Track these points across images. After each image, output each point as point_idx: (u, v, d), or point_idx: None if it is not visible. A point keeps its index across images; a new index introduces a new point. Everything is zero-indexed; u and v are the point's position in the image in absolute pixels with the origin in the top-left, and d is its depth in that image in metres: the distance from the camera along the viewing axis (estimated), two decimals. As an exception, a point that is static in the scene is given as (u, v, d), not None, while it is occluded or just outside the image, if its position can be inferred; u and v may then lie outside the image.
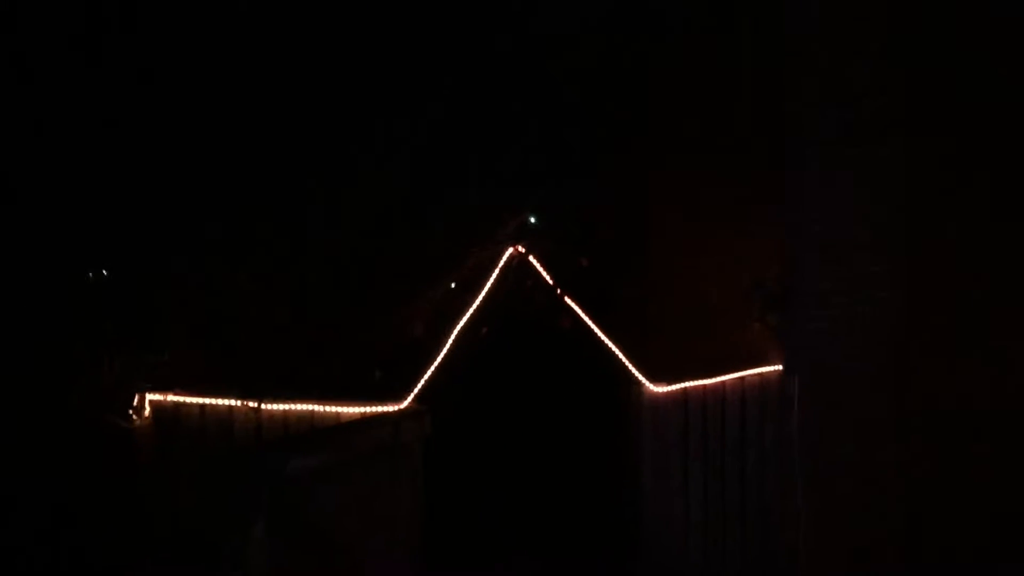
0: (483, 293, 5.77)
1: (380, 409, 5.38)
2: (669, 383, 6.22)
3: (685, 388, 6.30)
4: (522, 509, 6.15)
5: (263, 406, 5.17)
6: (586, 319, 6.04)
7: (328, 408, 5.33)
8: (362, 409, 5.36)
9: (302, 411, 5.31)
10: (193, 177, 5.81)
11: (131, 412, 5.53)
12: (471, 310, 5.71)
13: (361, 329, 5.62)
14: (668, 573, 6.15)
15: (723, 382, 6.44)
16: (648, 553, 6.12)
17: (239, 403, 5.16)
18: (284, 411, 5.29)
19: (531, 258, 5.96)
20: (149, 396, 5.25)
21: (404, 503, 5.24)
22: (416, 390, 5.47)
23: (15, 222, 5.63)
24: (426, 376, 5.51)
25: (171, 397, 5.21)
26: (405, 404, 5.44)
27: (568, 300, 5.99)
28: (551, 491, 6.24)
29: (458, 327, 5.66)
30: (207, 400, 5.22)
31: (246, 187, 5.80)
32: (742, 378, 6.49)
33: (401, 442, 5.09)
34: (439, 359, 5.57)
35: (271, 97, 5.86)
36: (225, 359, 5.42)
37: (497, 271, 5.83)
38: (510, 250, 5.86)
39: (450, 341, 5.60)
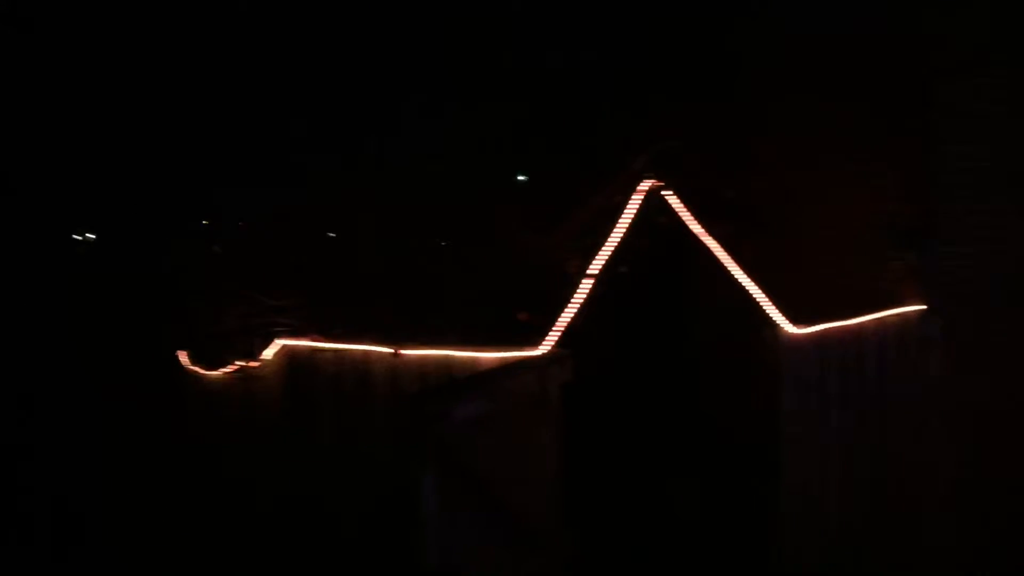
0: (619, 230, 5.47)
1: (517, 355, 5.16)
2: (807, 325, 5.93)
3: (823, 330, 6.01)
4: (660, 455, 5.91)
5: (401, 352, 4.96)
6: (723, 257, 5.73)
7: (465, 353, 5.11)
8: (499, 355, 5.14)
9: (438, 356, 5.10)
10: (321, 119, 5.57)
11: (248, 358, 5.39)
12: (607, 248, 5.43)
13: (498, 270, 5.38)
14: (806, 515, 5.93)
15: (861, 324, 6.13)
16: (787, 496, 5.89)
17: (376, 348, 4.95)
18: (420, 356, 5.08)
19: (667, 192, 5.64)
20: (284, 341, 5.05)
21: (548, 453, 5.04)
22: (553, 334, 5.23)
23: (138, 172, 5.47)
24: (563, 319, 5.26)
25: (306, 342, 5.01)
26: (543, 349, 5.21)
27: (705, 237, 5.68)
28: (690, 436, 6.00)
29: (595, 266, 5.38)
30: (343, 345, 5.01)
31: (379, 128, 5.54)
32: (881, 319, 6.17)
33: (546, 389, 4.86)
34: (576, 301, 5.31)
35: (397, 19, 5.56)
36: (361, 304, 5.22)
37: (633, 206, 5.52)
38: (647, 183, 5.55)
39: (589, 282, 5.33)
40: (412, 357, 5.06)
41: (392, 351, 4.96)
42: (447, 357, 5.10)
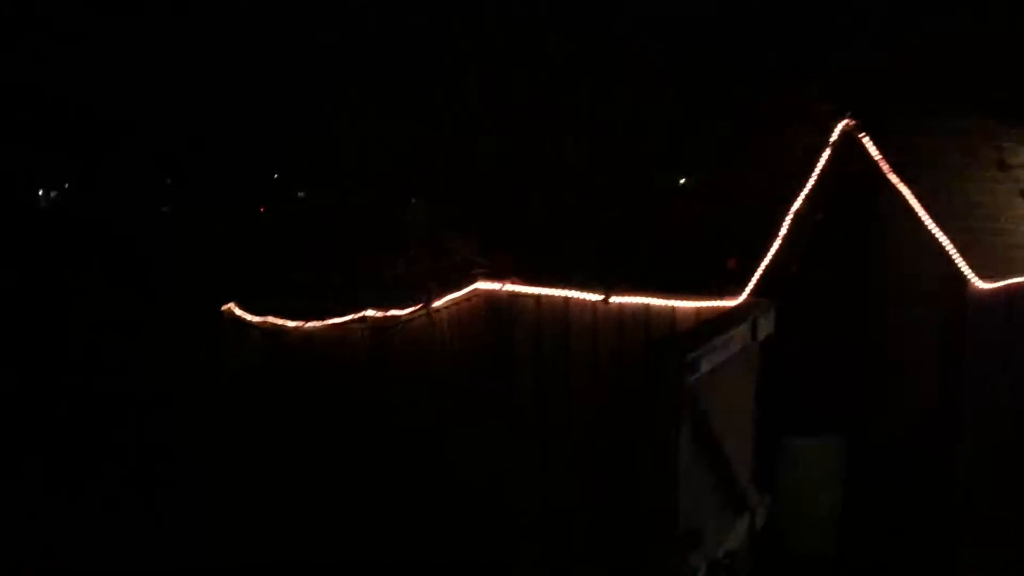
0: (815, 174, 5.24)
1: (716, 304, 4.99)
2: (993, 280, 5.69)
3: (1010, 285, 5.77)
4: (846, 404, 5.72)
5: (611, 299, 4.78)
6: (916, 205, 5.48)
7: (663, 302, 4.94)
8: (698, 304, 4.96)
9: (636, 305, 4.93)
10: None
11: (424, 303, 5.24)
12: (802, 194, 5.21)
13: (692, 218, 5.19)
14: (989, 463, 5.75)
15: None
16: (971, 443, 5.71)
17: (578, 295, 4.78)
18: (619, 304, 4.91)
19: (861, 136, 5.38)
20: (483, 285, 4.88)
21: (750, 404, 4.89)
22: (752, 283, 5.06)
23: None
24: (761, 268, 5.08)
25: (507, 287, 4.84)
26: (741, 299, 5.04)
27: (901, 186, 5.43)
28: (877, 388, 5.80)
29: (791, 213, 5.17)
30: (544, 291, 4.84)
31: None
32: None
33: (756, 339, 4.69)
34: (773, 249, 5.12)
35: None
36: (566, 250, 5.05)
37: (828, 150, 5.28)
38: (842, 124, 5.29)
39: (784, 229, 5.14)
40: (612, 305, 4.89)
41: (601, 297, 4.78)
42: (645, 305, 4.93)
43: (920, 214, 5.52)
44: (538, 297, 4.84)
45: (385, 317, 5.35)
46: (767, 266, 5.12)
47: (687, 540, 3.79)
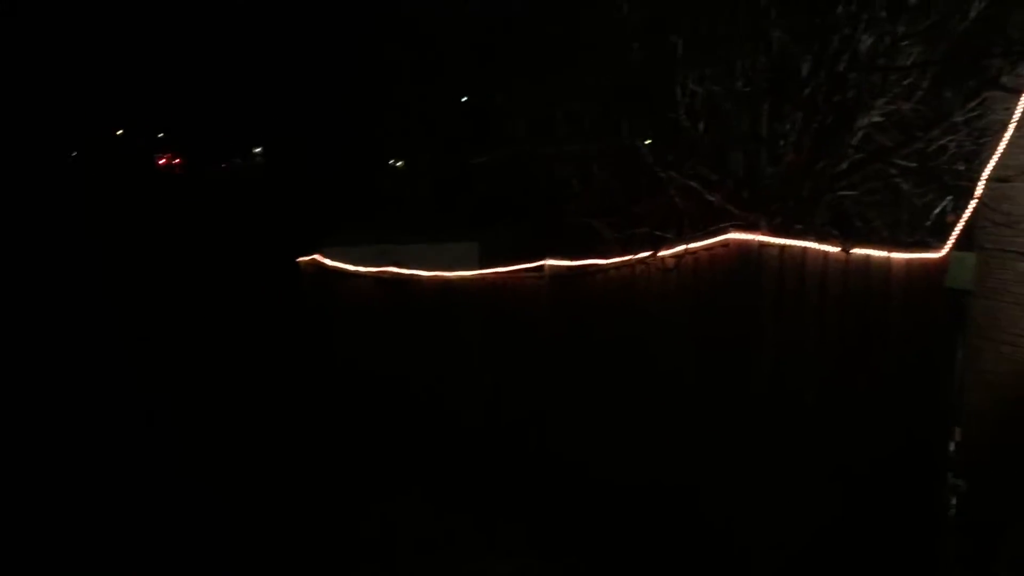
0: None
1: (922, 256, 5.98)
2: None
3: None
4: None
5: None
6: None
7: (880, 253, 5.93)
8: (908, 255, 5.94)
9: (858, 256, 5.94)
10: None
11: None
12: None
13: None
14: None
15: None
16: None
17: (818, 246, 5.76)
18: (845, 256, 5.92)
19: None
20: (736, 235, 5.87)
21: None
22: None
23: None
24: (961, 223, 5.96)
25: (759, 237, 5.81)
26: (943, 253, 6.01)
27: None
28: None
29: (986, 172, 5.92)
30: (787, 242, 5.83)
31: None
32: None
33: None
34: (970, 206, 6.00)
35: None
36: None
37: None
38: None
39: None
40: (839, 255, 5.87)
41: (841, 249, 5.78)
42: (866, 256, 5.94)
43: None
44: (782, 248, 5.84)
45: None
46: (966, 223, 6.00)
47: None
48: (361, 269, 10.13)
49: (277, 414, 9.80)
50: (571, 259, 7.30)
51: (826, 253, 5.85)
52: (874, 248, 5.96)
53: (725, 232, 5.92)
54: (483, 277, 8.41)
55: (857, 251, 5.90)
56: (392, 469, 8.32)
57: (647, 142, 7.28)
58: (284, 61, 39.34)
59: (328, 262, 10.76)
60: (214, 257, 18.24)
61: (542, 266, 7.59)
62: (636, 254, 6.57)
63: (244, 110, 45.88)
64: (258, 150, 53.18)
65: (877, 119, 6.62)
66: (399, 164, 23.84)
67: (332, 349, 10.51)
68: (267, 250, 14.58)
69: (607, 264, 6.96)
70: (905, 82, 6.62)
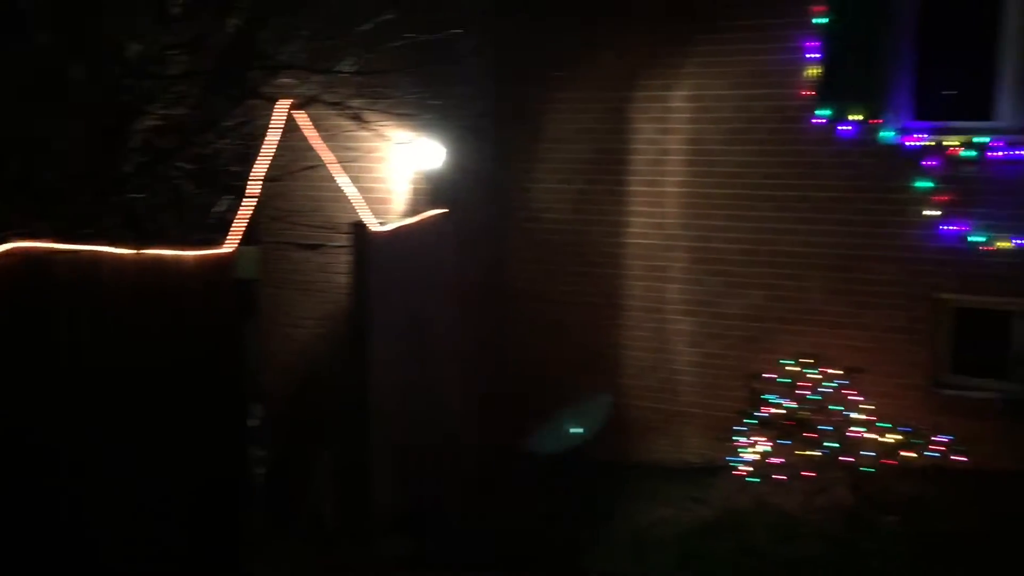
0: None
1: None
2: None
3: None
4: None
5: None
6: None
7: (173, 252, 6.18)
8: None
9: (153, 255, 6.07)
10: None
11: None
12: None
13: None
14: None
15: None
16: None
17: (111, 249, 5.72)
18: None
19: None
20: (20, 244, 5.44)
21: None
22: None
23: None
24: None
25: (46, 244, 5.50)
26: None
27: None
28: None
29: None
30: (78, 247, 5.60)
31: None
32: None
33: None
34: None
35: None
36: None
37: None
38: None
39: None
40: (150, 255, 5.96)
41: (135, 250, 5.83)
42: (159, 256, 6.13)
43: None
44: (74, 253, 5.65)
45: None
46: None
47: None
48: None
49: None
50: None
51: (121, 255, 5.90)
52: (167, 248, 6.19)
53: (6, 241, 5.54)
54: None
55: (151, 251, 6.07)
56: None
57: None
58: None
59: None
60: None
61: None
62: None
63: None
64: None
65: (155, 123, 6.84)
66: None
67: None
68: None
69: None
70: (176, 89, 6.96)
